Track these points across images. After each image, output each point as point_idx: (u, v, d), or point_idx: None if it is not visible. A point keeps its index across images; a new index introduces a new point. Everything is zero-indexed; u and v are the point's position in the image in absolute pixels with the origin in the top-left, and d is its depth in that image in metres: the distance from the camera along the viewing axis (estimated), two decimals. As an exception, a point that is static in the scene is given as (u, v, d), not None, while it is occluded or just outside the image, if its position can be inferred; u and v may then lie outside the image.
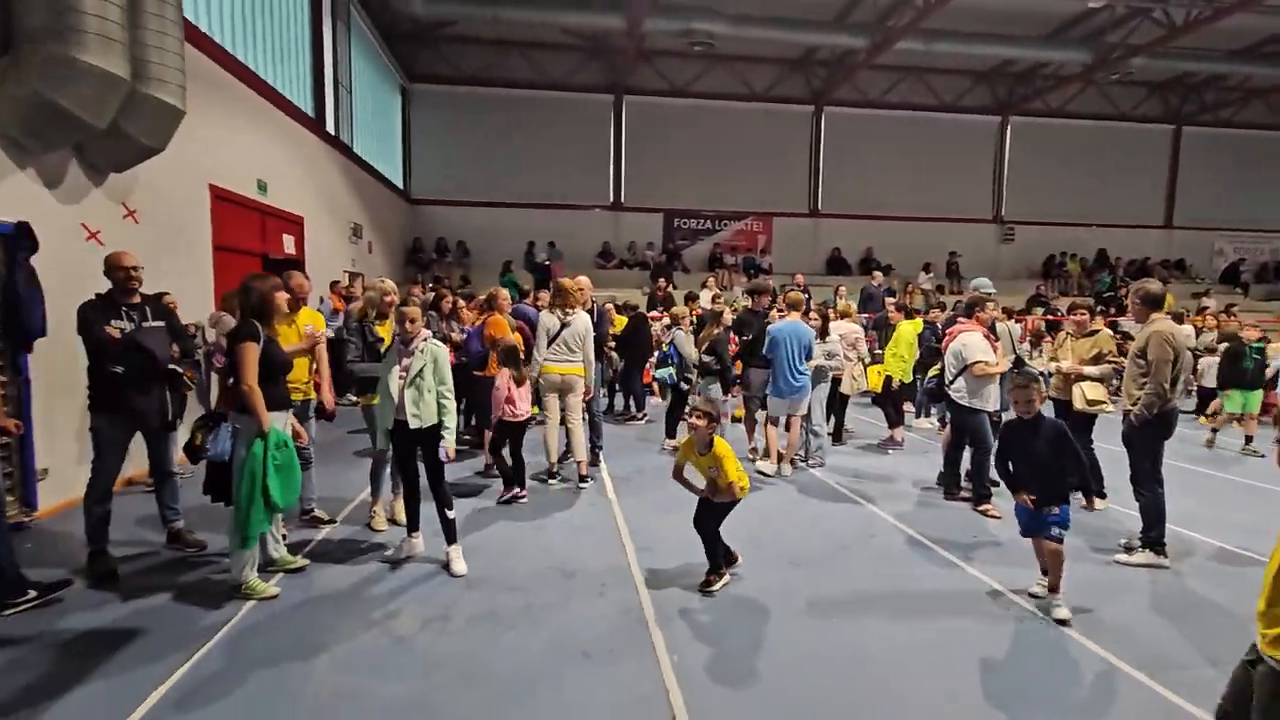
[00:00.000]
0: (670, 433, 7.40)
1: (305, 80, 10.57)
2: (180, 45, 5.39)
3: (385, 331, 4.69)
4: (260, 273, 3.90)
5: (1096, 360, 5.25)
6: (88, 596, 3.58)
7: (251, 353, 3.43)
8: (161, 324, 4.05)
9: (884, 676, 2.94)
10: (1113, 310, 15.15)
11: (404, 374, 3.95)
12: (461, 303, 8.14)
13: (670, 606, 3.55)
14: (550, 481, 5.84)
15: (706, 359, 6.81)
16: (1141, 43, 13.93)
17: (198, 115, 6.04)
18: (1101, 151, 19.15)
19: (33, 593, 3.42)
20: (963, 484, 5.61)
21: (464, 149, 17.08)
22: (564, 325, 5.68)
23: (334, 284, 10.47)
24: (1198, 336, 11.01)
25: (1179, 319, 10.61)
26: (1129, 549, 4.27)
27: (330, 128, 11.29)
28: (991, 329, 5.86)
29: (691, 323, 8.54)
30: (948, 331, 5.89)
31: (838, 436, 7.79)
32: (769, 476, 6.13)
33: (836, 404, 7.67)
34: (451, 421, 4.02)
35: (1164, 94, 18.88)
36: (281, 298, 3.74)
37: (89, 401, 3.87)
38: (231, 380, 3.57)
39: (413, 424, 3.91)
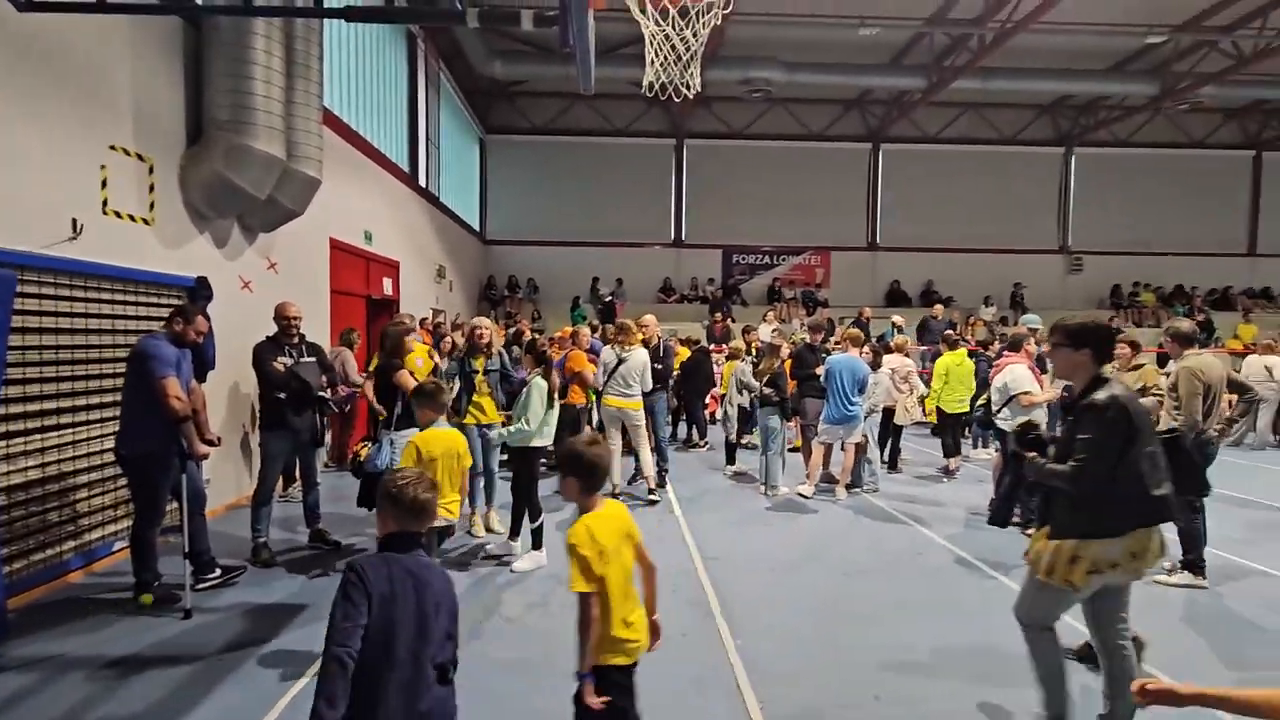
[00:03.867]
0: (730, 459, 7.93)
1: (403, 139, 11.90)
2: (319, 127, 6.49)
3: (480, 365, 5.48)
4: (396, 319, 4.75)
5: (1142, 394, 5.51)
6: (258, 577, 4.42)
7: (405, 376, 4.28)
8: (313, 359, 4.96)
9: (924, 666, 3.39)
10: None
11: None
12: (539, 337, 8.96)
13: (734, 603, 4.08)
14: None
15: (767, 390, 7.34)
16: (1211, 71, 13.78)
17: (324, 180, 7.12)
18: (1175, 179, 18.72)
19: (219, 571, 4.28)
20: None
21: (534, 192, 18.33)
22: (620, 361, 6.35)
23: (422, 321, 11.57)
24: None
25: (1270, 349, 10.46)
26: (1169, 570, 4.52)
27: (421, 180, 12.57)
28: (1039, 362, 6.19)
29: (750, 354, 9.07)
30: (995, 364, 6.26)
31: (893, 465, 8.12)
32: (807, 498, 6.62)
33: (890, 433, 8.04)
34: (503, 430, 4.79)
35: (1242, 120, 18.36)
36: (410, 340, 4.56)
37: (260, 421, 4.80)
38: (395, 404, 4.37)
39: (510, 443, 4.66)
